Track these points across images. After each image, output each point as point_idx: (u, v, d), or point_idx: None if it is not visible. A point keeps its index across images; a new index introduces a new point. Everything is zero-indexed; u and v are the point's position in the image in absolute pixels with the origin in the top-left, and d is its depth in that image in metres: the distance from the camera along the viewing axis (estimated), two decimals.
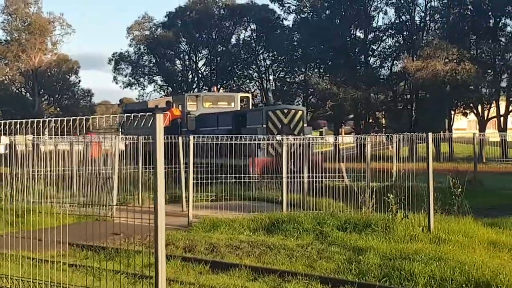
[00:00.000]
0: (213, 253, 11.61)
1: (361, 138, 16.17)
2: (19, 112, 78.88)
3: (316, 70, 58.95)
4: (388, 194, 12.99)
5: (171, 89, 66.59)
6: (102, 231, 14.00)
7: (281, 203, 15.49)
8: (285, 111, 22.38)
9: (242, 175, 15.78)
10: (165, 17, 67.43)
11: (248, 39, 65.18)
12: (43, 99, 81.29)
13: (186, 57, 68.79)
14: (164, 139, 17.41)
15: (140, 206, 18.77)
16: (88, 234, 13.70)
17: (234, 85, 66.24)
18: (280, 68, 63.18)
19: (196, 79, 68.59)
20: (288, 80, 62.79)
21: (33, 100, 77.89)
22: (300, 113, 22.60)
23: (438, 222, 12.82)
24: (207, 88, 67.20)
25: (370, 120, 59.06)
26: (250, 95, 29.34)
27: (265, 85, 63.74)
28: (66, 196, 17.02)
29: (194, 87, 67.59)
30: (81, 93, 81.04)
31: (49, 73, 79.91)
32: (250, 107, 28.48)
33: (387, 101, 56.91)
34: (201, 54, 68.37)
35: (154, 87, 69.70)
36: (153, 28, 68.91)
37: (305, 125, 22.76)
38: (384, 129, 59.25)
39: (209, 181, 17.25)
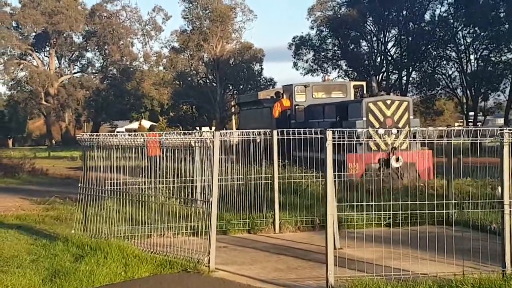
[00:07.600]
0: None
1: None
2: (202, 103, 76.50)
3: None
4: None
5: (356, 74, 59.92)
6: None
7: (502, 250, 8.48)
8: (388, 102, 20.53)
9: None
10: None
11: (445, 14, 56.69)
12: (226, 90, 78.29)
13: (374, 38, 61.72)
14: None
15: (275, 236, 12.67)
16: None
17: (429, 67, 58.38)
18: (484, 46, 54.30)
19: (384, 62, 61.31)
20: (493, 59, 53.98)
21: (215, 91, 75.10)
22: (405, 104, 20.65)
23: None
24: (397, 72, 59.91)
25: None
26: (364, 83, 26.47)
27: (464, 66, 55.23)
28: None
29: (382, 71, 60.49)
30: (264, 82, 77.02)
31: (233, 63, 76.74)
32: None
33: None
34: (390, 34, 60.92)
35: (339, 72, 63.51)
36: (336, 8, 62.49)
37: (411, 116, 20.74)
38: None
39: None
